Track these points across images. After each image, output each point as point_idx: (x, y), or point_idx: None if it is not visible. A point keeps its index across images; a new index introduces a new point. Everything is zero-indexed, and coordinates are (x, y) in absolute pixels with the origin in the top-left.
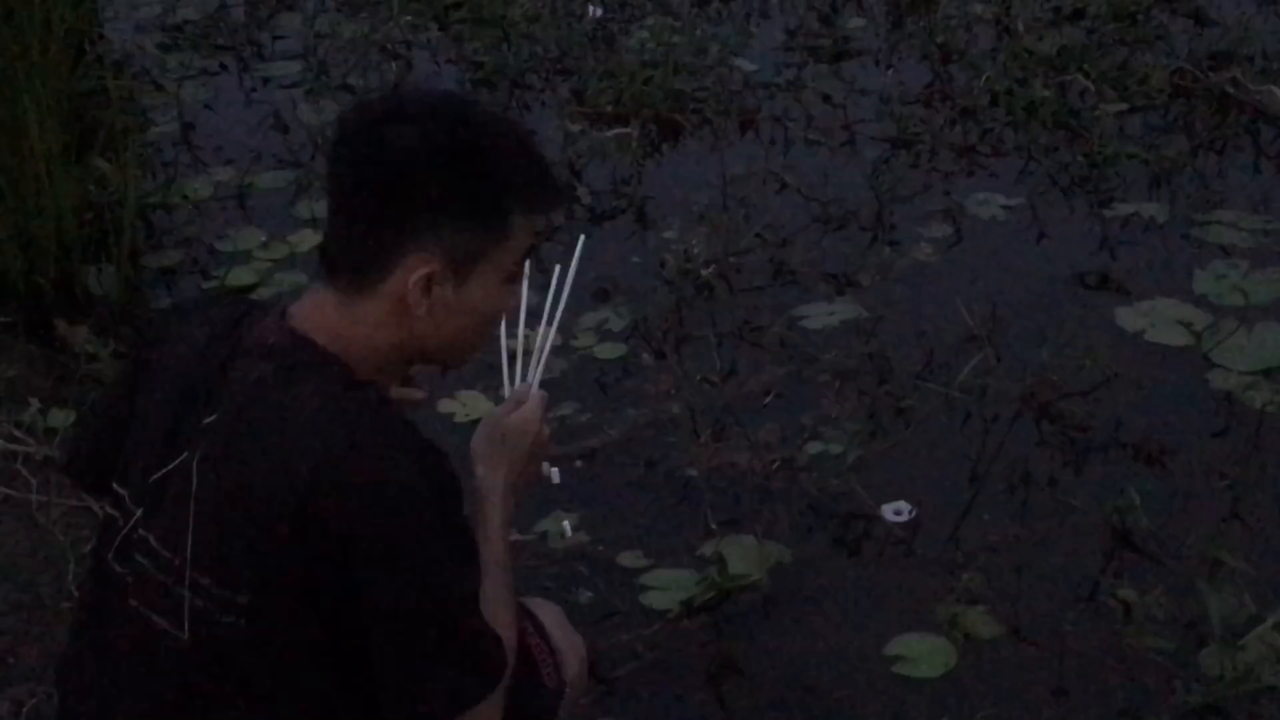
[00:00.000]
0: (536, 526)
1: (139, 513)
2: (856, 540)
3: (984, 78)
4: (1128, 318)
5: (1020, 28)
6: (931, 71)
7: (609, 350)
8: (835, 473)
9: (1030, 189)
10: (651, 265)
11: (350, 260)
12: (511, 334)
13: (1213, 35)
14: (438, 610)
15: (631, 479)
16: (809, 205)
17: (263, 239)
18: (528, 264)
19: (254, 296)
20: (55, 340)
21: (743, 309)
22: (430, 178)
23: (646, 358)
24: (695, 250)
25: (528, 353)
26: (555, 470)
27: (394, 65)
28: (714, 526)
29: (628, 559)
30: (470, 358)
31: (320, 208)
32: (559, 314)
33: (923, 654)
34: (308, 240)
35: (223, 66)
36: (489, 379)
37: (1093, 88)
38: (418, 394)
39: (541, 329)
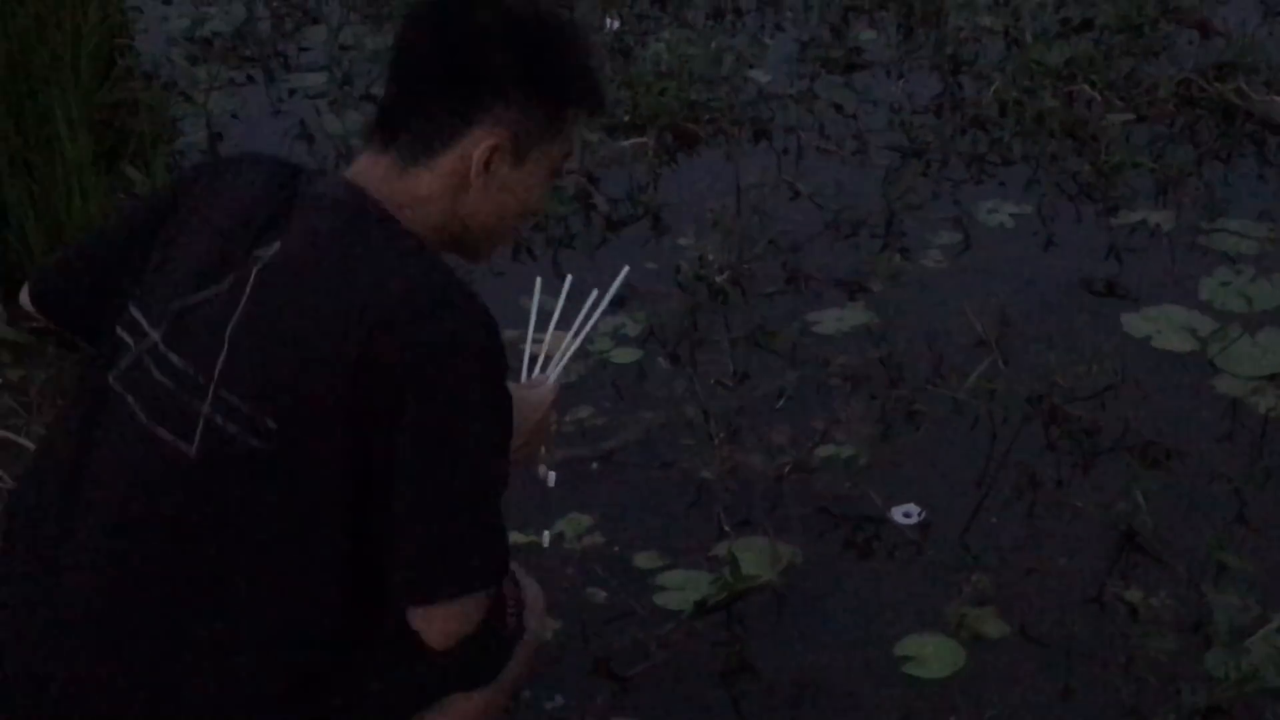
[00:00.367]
0: (553, 526)
1: (157, 334)
2: (867, 542)
3: (993, 88)
4: (1134, 324)
5: (1028, 39)
6: (941, 82)
7: (625, 354)
8: (846, 475)
9: (1038, 197)
10: (667, 271)
11: (416, 128)
12: (537, 338)
13: (1218, 46)
14: (471, 482)
15: (646, 481)
16: (821, 213)
17: None
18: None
19: None
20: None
21: (756, 314)
22: (507, 56)
23: (661, 362)
24: (710, 256)
25: (549, 358)
26: (552, 474)
27: None
28: (727, 528)
29: (642, 559)
30: (495, 250)
31: None
32: (587, 329)
33: (932, 654)
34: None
35: (249, 78)
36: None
37: (1100, 98)
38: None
39: (569, 337)
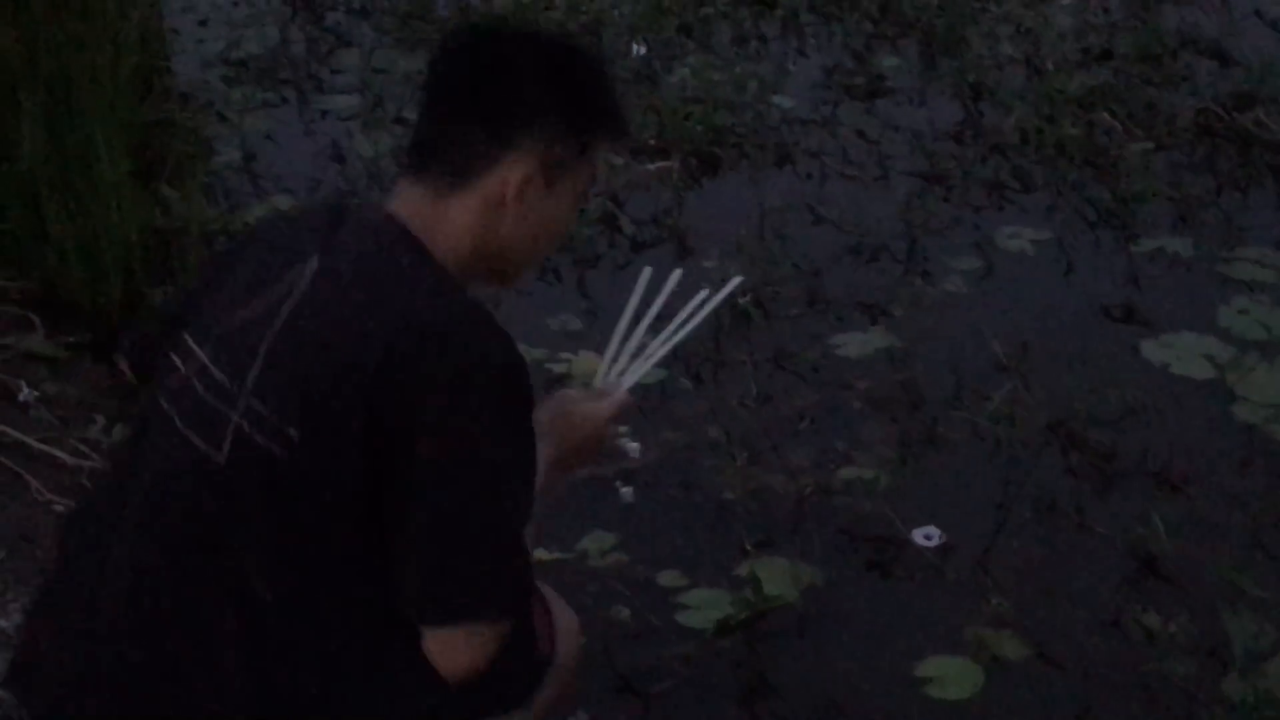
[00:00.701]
0: (578, 544)
1: (203, 352)
2: (888, 563)
3: (1014, 116)
4: (1153, 350)
5: (1049, 68)
6: (963, 109)
7: (650, 374)
8: (867, 497)
9: (1058, 224)
10: (691, 293)
11: (450, 158)
12: (628, 335)
13: (1237, 76)
14: (485, 507)
15: (669, 500)
16: (843, 237)
17: None
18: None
19: None
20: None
21: (778, 336)
22: (538, 87)
23: (684, 382)
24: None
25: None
26: (636, 445)
27: None
28: (749, 548)
29: (665, 578)
30: (525, 273)
31: None
32: (680, 336)
33: (952, 675)
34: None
35: (283, 99)
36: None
37: (1120, 126)
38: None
39: (656, 341)
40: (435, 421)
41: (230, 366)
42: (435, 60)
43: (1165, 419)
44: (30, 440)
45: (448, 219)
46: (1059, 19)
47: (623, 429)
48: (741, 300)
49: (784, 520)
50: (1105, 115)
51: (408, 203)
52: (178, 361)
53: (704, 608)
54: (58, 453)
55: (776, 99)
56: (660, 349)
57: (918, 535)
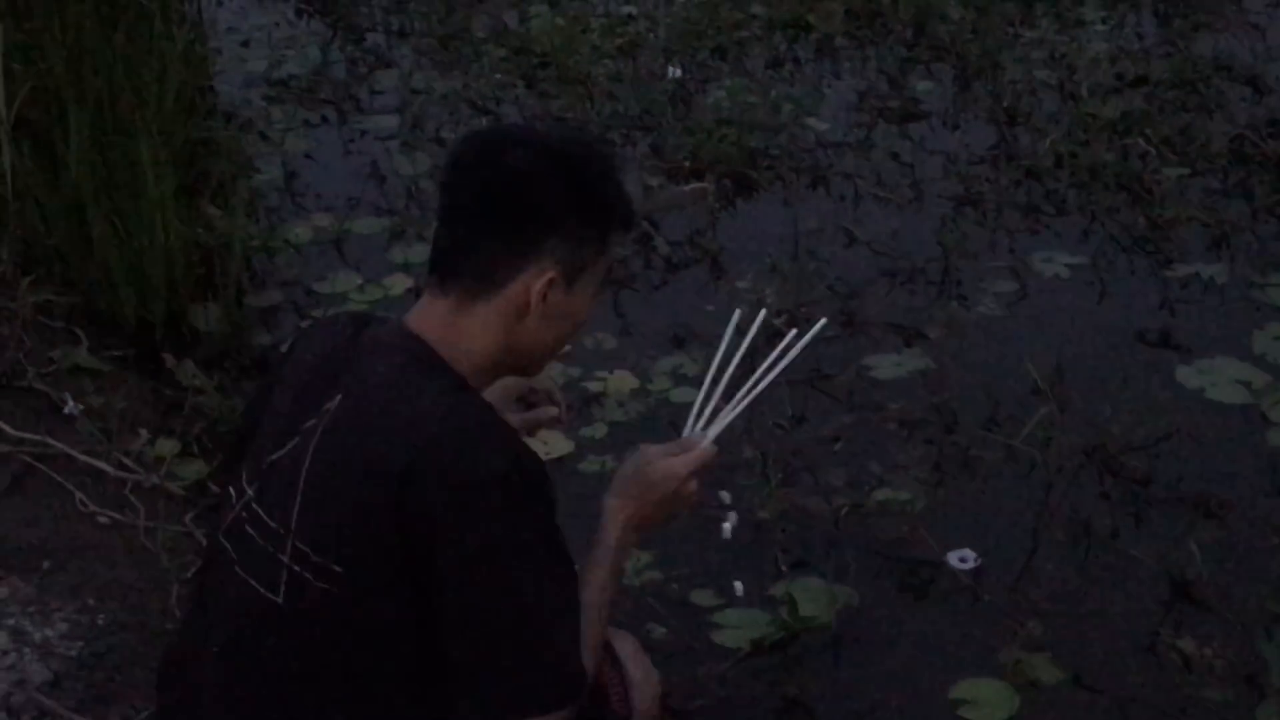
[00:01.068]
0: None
1: (251, 490)
2: (923, 586)
3: (1048, 140)
4: (1188, 375)
5: (1084, 93)
6: (997, 133)
7: (684, 394)
8: (902, 519)
9: (1093, 248)
10: (725, 314)
11: (471, 269)
12: (716, 380)
13: (1271, 103)
14: (515, 613)
15: (704, 519)
16: (878, 259)
17: (359, 282)
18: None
19: None
20: (163, 374)
21: (813, 358)
22: (549, 194)
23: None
24: (768, 300)
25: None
26: (727, 525)
27: (484, 120)
28: (784, 568)
29: (700, 597)
30: (548, 363)
31: (414, 254)
32: (765, 383)
33: (987, 698)
34: (401, 284)
35: (324, 119)
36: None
37: (1154, 152)
38: (552, 411)
39: (741, 393)
40: (453, 534)
41: (274, 506)
42: (448, 172)
43: (1200, 444)
44: (75, 453)
45: (471, 329)
46: (1093, 44)
47: (723, 494)
48: (776, 321)
49: (819, 541)
50: (1139, 140)
51: (429, 316)
52: (232, 495)
53: (739, 627)
54: (102, 465)
55: (811, 121)
56: (746, 398)
57: (953, 558)
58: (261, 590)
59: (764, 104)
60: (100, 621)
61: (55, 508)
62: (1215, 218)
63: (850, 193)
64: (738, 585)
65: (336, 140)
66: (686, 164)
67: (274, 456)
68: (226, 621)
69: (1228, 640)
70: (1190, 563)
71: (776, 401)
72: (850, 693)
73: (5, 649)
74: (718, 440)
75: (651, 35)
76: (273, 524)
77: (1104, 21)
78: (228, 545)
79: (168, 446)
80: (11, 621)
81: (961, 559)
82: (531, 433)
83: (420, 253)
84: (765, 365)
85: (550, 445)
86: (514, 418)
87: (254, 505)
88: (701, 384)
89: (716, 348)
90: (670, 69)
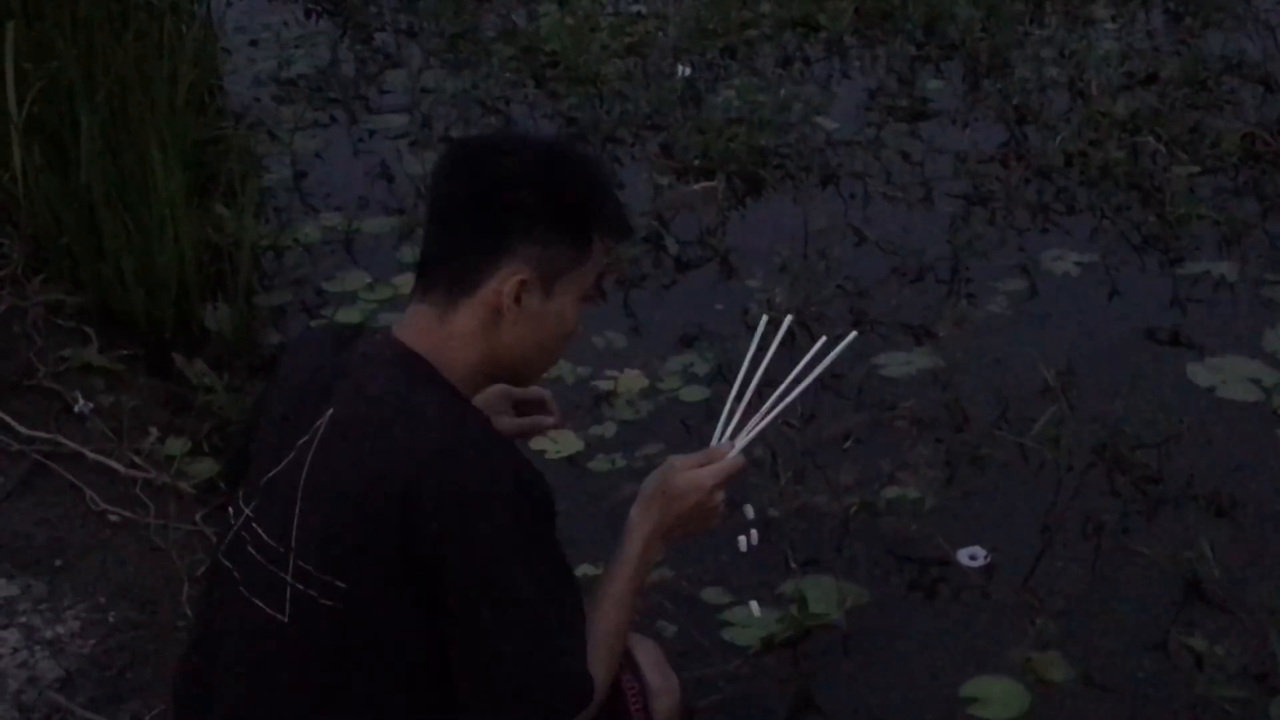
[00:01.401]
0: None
1: (249, 509)
2: (933, 583)
3: (1058, 139)
4: (1199, 373)
5: (1094, 91)
6: (1007, 132)
7: (693, 393)
8: (913, 517)
9: (1103, 247)
10: (735, 312)
11: (448, 273)
12: (743, 389)
13: None
14: (520, 625)
15: (740, 535)
16: (887, 258)
17: (368, 281)
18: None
19: None
20: (174, 373)
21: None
22: (526, 196)
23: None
24: (777, 299)
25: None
26: (744, 539)
27: (493, 119)
28: (794, 566)
29: (710, 595)
30: (541, 375)
31: None
32: (794, 394)
33: (997, 696)
34: (410, 283)
35: (333, 118)
36: (579, 419)
37: (1164, 150)
38: (549, 420)
39: (769, 403)
40: (457, 548)
41: (273, 525)
42: (433, 179)
43: (1211, 442)
44: (86, 451)
45: (452, 334)
46: (1103, 43)
47: (747, 508)
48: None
49: (829, 539)
50: (1150, 139)
51: (416, 325)
52: (231, 515)
53: (749, 625)
54: (113, 463)
55: (821, 120)
56: (775, 409)
57: (963, 556)
58: (267, 610)
59: (774, 103)
60: (111, 619)
61: (66, 506)
62: (1226, 216)
63: (860, 191)
64: (748, 508)
65: (346, 140)
66: (696, 163)
67: (270, 475)
68: (234, 640)
69: (1239, 638)
70: (1202, 560)
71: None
72: (860, 690)
73: (17, 646)
74: (745, 450)
75: (661, 34)
76: (273, 542)
77: (1114, 20)
78: (230, 565)
79: (178, 445)
80: (23, 619)
81: (972, 557)
82: (524, 438)
83: None
84: (793, 375)
85: (560, 444)
86: (507, 423)
87: (253, 525)
88: (713, 383)
89: (727, 347)
90: (680, 68)
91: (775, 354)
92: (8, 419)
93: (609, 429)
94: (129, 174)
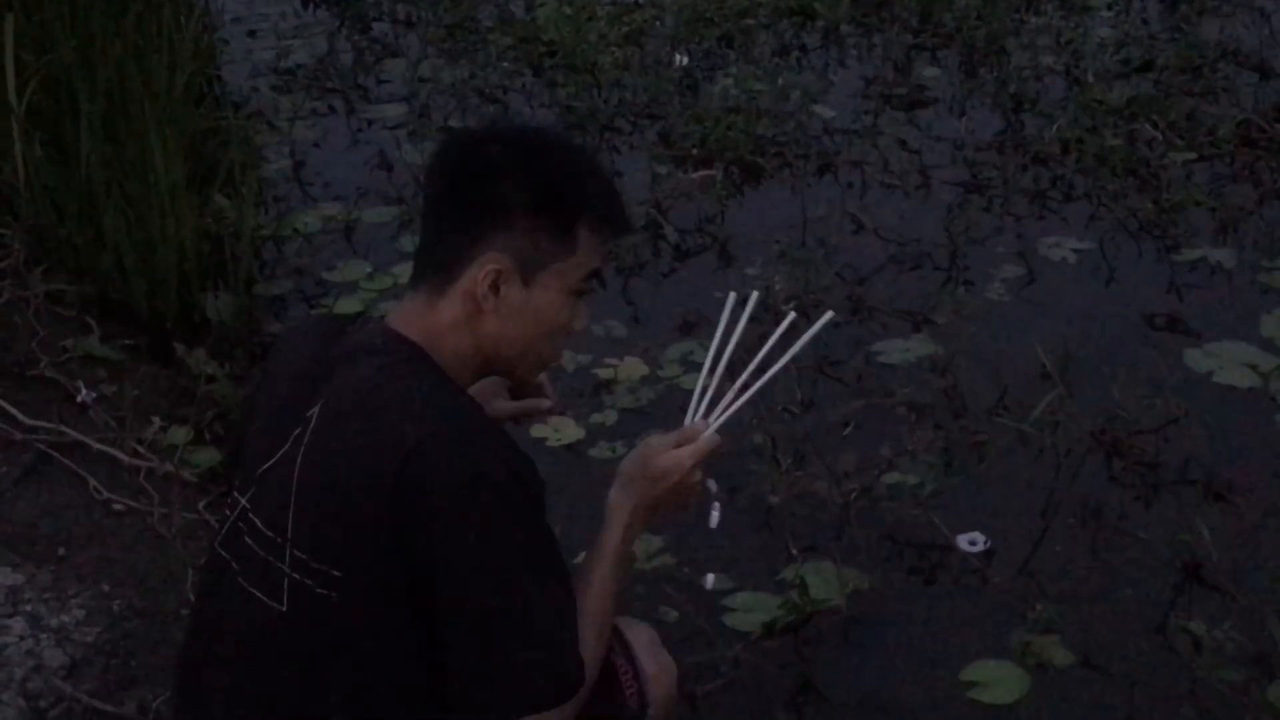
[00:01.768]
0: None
1: (245, 499)
2: (932, 569)
3: (1055, 126)
4: (1196, 359)
5: (1090, 79)
6: (1004, 120)
7: (693, 380)
8: (912, 503)
9: (1100, 233)
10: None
11: (434, 261)
12: (714, 366)
13: (1277, 87)
14: (510, 610)
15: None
16: (885, 246)
17: (368, 270)
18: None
19: None
20: (175, 362)
21: (822, 344)
22: (507, 183)
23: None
24: (776, 287)
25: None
26: (714, 514)
27: (491, 108)
28: (794, 552)
29: (711, 581)
30: (537, 371)
31: None
32: (769, 374)
33: (997, 680)
34: (410, 272)
35: (331, 108)
36: (580, 406)
37: (1161, 137)
38: (545, 403)
39: (741, 381)
40: (448, 536)
41: (269, 515)
42: (428, 167)
43: (1209, 427)
44: (89, 440)
45: (440, 322)
46: (1098, 30)
47: (710, 483)
48: (785, 308)
49: (829, 525)
50: (1146, 126)
51: (409, 312)
52: (227, 508)
53: (751, 610)
54: (116, 452)
55: (818, 109)
56: (750, 388)
57: (962, 541)
58: (265, 599)
59: (771, 91)
60: (116, 607)
61: (70, 495)
62: (1222, 202)
63: (858, 180)
64: (711, 483)
65: (344, 129)
66: (694, 152)
67: (265, 465)
68: (232, 630)
69: (1237, 622)
70: (1199, 545)
71: (786, 387)
72: (861, 675)
73: (23, 635)
74: (720, 428)
75: (658, 23)
76: (269, 533)
77: (1110, 7)
78: (228, 555)
79: (180, 434)
80: (28, 608)
81: (971, 542)
82: (518, 422)
83: None
84: (764, 352)
85: (561, 432)
86: (503, 406)
87: (250, 515)
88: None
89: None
90: (677, 57)
91: (753, 332)
92: (11, 409)
93: (609, 416)
94: (129, 164)
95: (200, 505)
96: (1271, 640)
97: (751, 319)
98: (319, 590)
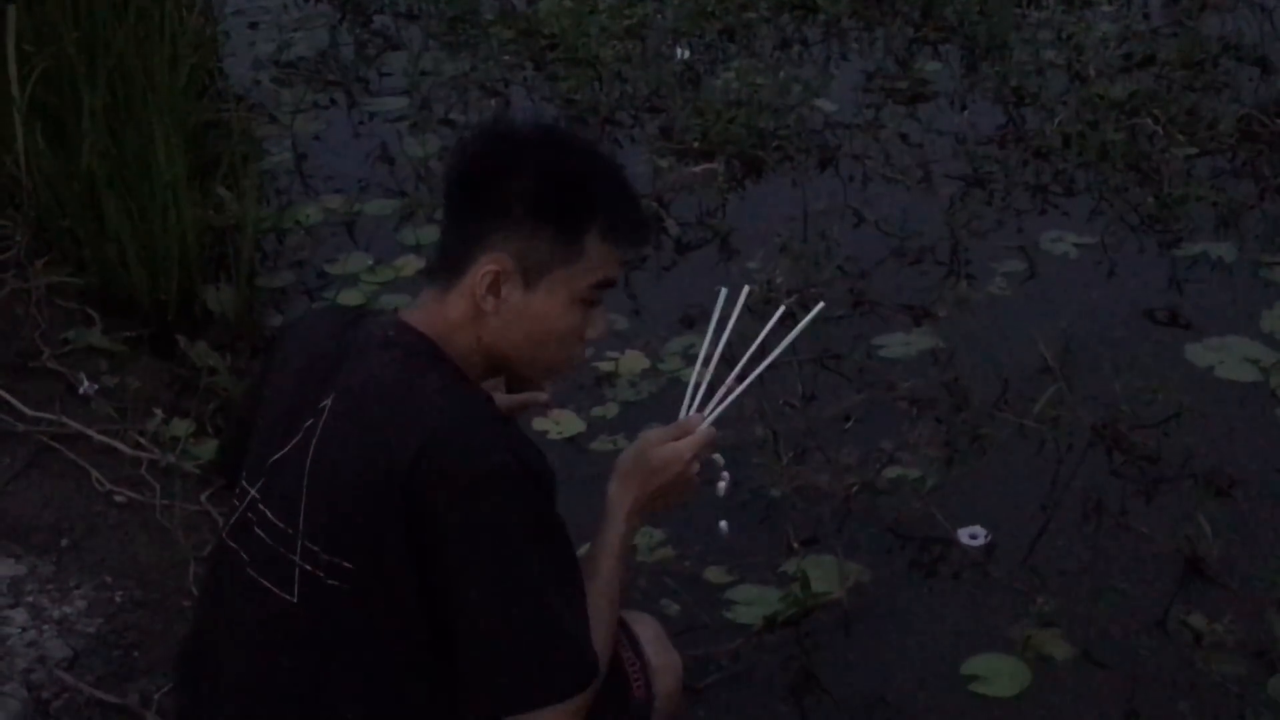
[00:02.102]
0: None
1: (254, 490)
2: (933, 562)
3: (1056, 120)
4: (1197, 354)
5: (1091, 73)
6: (1005, 114)
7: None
8: (913, 497)
9: (1101, 228)
10: (735, 294)
11: (445, 258)
12: (708, 359)
13: (1279, 82)
14: (522, 604)
15: (715, 497)
16: (887, 239)
17: (370, 263)
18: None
19: None
20: (177, 354)
21: (823, 337)
22: (514, 184)
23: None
24: (777, 280)
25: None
26: (722, 484)
27: (493, 102)
28: (796, 545)
29: (713, 574)
30: (549, 376)
31: (424, 234)
32: (763, 366)
33: (997, 673)
34: (412, 265)
35: (333, 101)
36: (581, 400)
37: (1162, 132)
38: (542, 396)
39: (734, 374)
40: (460, 529)
41: (280, 506)
42: (447, 162)
43: (1210, 422)
44: (91, 432)
45: (447, 318)
46: (1100, 25)
47: (716, 457)
48: (786, 301)
49: (830, 518)
50: (1147, 120)
51: (422, 306)
52: (236, 498)
53: (752, 604)
54: (118, 444)
55: (819, 102)
56: (745, 381)
57: (963, 535)
58: (275, 590)
59: (772, 85)
60: (118, 599)
61: (72, 487)
62: (1223, 197)
63: (859, 173)
64: (723, 525)
65: (346, 122)
66: (696, 145)
67: (275, 456)
68: (241, 621)
69: (1238, 616)
70: (1200, 539)
71: (787, 381)
72: (862, 668)
73: (25, 626)
74: (716, 421)
75: (660, 16)
76: (280, 524)
77: (1111, 1)
78: (236, 546)
79: (182, 426)
80: (30, 599)
81: (972, 536)
82: (515, 414)
83: (430, 234)
84: (756, 344)
85: (562, 425)
86: (499, 399)
87: (260, 506)
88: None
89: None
90: (679, 50)
91: (748, 325)
92: (13, 400)
93: (610, 410)
94: (131, 157)
95: (202, 497)
96: (1271, 634)
97: (752, 312)
98: (329, 582)
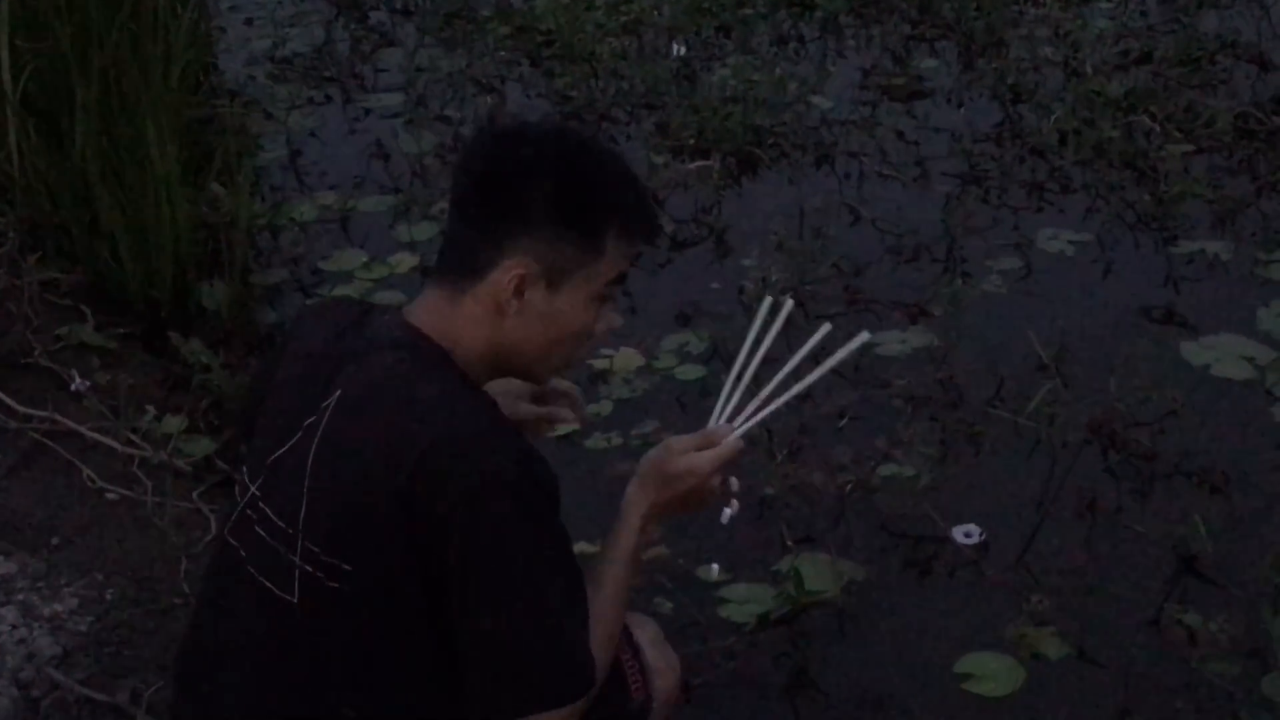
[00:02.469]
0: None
1: (255, 488)
2: (928, 560)
3: (1053, 118)
4: (1193, 352)
5: (1088, 70)
6: (1002, 111)
7: (689, 371)
8: (908, 495)
9: (1098, 225)
10: (730, 291)
11: (458, 260)
12: (742, 372)
13: (1276, 79)
14: (522, 609)
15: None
16: (882, 237)
17: (364, 260)
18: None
19: None
20: (170, 351)
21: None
22: (536, 188)
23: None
24: (773, 277)
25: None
26: (727, 511)
27: (488, 98)
28: (790, 543)
29: (707, 572)
30: (554, 374)
31: (419, 231)
32: (800, 387)
33: (992, 672)
34: (406, 262)
35: (328, 97)
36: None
37: (1159, 129)
38: (568, 415)
39: (768, 391)
40: (462, 534)
41: (281, 505)
42: (457, 163)
43: (1205, 420)
44: (83, 429)
45: (460, 321)
46: (1097, 22)
47: (732, 480)
48: (780, 297)
49: (825, 517)
50: (1144, 118)
51: (427, 307)
52: (237, 494)
53: (746, 602)
54: (110, 441)
55: (815, 99)
56: (779, 399)
57: (958, 533)
58: (275, 590)
59: (769, 82)
60: (109, 596)
61: (64, 484)
62: (1220, 194)
63: (855, 170)
64: (713, 568)
65: (341, 118)
66: (692, 142)
67: (277, 454)
68: (241, 619)
69: (1233, 614)
70: (1195, 537)
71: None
72: (856, 666)
73: (15, 624)
74: (744, 435)
75: (656, 13)
76: (281, 523)
77: None
78: (237, 543)
79: (175, 423)
80: (21, 597)
81: (966, 534)
82: (541, 430)
83: (425, 230)
84: (794, 362)
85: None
86: (526, 409)
87: (261, 504)
88: (709, 362)
89: (722, 325)
90: (675, 47)
91: (775, 336)
92: (5, 397)
93: (605, 407)
94: (124, 152)
95: (194, 494)
96: (1266, 633)
97: (767, 320)
98: (330, 583)
